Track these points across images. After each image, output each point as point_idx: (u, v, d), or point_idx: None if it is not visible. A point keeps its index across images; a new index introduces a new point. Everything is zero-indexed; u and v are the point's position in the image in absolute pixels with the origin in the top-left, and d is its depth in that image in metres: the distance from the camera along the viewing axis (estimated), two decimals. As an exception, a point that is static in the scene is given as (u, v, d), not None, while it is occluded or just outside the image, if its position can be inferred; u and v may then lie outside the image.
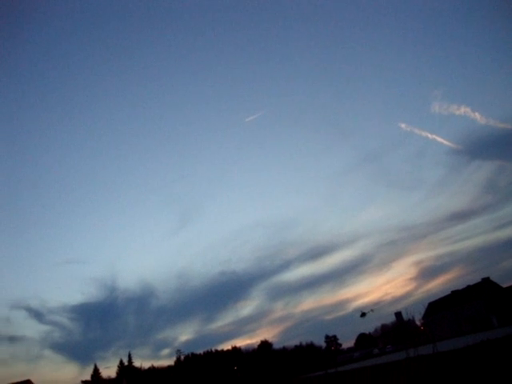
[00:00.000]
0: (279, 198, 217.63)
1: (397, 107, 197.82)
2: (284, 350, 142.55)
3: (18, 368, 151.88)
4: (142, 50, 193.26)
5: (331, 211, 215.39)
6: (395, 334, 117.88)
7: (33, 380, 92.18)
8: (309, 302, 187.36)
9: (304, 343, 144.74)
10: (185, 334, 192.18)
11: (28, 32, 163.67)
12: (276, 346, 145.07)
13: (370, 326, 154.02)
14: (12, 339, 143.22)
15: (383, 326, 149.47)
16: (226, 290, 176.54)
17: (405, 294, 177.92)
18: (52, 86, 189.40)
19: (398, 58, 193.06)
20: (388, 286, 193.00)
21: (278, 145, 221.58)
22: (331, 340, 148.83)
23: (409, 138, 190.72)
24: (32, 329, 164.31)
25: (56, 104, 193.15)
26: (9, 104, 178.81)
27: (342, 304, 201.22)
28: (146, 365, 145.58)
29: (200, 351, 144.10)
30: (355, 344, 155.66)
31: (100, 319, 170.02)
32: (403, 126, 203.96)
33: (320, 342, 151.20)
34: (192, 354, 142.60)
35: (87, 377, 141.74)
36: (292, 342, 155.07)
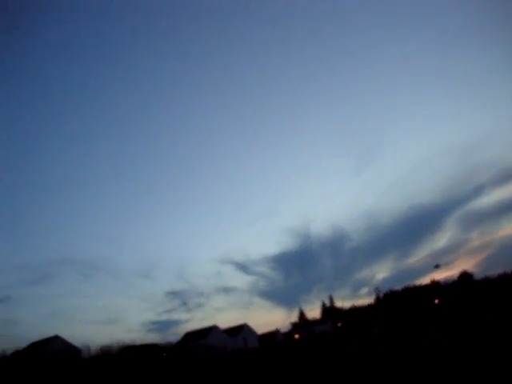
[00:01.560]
0: (461, 120, 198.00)
1: None
2: (486, 279, 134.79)
3: (235, 314, 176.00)
4: None
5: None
6: None
7: (248, 323, 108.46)
8: (510, 228, 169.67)
9: (509, 271, 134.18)
10: (381, 272, 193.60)
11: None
12: (477, 276, 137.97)
13: None
14: (226, 290, 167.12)
15: None
16: (417, 224, 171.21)
17: None
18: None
19: None
20: None
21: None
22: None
23: None
24: (240, 280, 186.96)
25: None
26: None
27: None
28: (347, 305, 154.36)
29: (398, 287, 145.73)
30: None
31: (298, 266, 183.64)
32: None
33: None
34: (390, 291, 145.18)
35: (295, 319, 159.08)
36: (495, 271, 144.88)
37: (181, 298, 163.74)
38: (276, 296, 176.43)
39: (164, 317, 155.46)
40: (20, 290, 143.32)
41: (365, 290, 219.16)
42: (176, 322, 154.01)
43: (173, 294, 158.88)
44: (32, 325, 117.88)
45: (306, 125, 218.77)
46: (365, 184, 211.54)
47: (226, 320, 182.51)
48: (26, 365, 63.40)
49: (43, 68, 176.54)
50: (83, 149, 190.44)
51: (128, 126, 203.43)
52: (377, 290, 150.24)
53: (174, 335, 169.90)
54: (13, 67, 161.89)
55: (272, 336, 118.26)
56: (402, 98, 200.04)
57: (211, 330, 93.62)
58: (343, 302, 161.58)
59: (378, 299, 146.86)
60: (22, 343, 75.95)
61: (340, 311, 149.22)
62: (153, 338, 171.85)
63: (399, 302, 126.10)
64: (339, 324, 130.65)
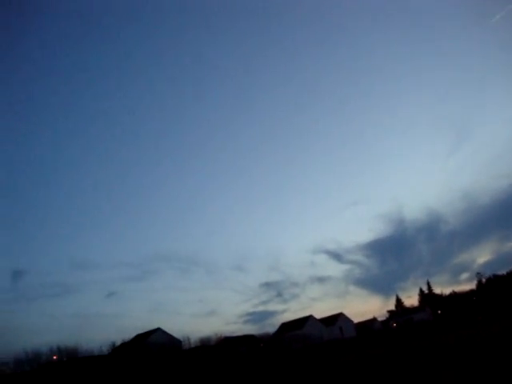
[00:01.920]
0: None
1: None
2: None
3: (331, 303, 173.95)
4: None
5: None
6: None
7: (344, 312, 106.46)
8: None
9: None
10: (482, 256, 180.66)
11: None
12: None
13: None
14: (320, 279, 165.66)
15: None
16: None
17: None
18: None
19: None
20: None
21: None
22: None
23: None
24: (334, 269, 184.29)
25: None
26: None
27: None
28: (446, 291, 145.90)
29: (502, 272, 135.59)
30: None
31: (393, 252, 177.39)
32: None
33: None
34: (494, 275, 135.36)
35: (391, 307, 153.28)
36: None
37: (275, 288, 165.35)
38: (372, 284, 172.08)
39: (260, 308, 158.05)
40: (124, 286, 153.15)
41: (465, 276, 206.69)
42: (272, 313, 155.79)
43: (267, 285, 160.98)
44: (136, 318, 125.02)
45: (397, 110, 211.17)
46: (458, 165, 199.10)
47: (321, 310, 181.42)
48: (132, 355, 66.75)
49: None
50: (170, 148, 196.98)
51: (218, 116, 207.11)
52: (479, 274, 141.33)
53: (271, 326, 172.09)
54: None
55: (369, 325, 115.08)
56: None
57: (307, 320, 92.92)
58: (442, 289, 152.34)
59: (480, 284, 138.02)
60: (129, 335, 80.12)
61: (439, 298, 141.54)
62: (250, 329, 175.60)
63: (504, 287, 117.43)
64: (439, 311, 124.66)
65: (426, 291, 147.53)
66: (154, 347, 68.22)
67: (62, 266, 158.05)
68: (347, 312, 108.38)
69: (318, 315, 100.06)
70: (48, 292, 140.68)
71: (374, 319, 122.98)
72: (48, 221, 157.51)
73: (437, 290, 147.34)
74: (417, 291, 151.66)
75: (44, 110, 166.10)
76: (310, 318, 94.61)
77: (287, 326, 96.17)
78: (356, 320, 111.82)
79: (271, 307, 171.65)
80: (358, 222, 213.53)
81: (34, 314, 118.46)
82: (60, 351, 66.17)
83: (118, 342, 74.90)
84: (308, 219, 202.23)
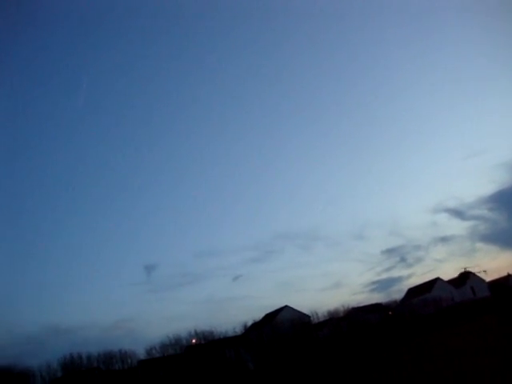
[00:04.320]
0: None
1: None
2: None
3: (457, 263, 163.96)
4: None
5: None
6: None
7: (474, 271, 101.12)
8: None
9: None
10: None
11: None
12: None
13: None
14: (444, 239, 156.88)
15: None
16: None
17: None
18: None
19: None
20: None
21: None
22: None
23: None
24: (457, 227, 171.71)
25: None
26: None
27: None
28: None
29: None
30: None
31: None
32: None
33: None
34: None
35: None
36: None
37: (398, 254, 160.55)
38: (501, 238, 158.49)
39: (384, 275, 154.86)
40: (248, 269, 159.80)
41: None
42: (397, 279, 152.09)
43: (389, 252, 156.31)
44: (263, 298, 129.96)
45: None
46: None
47: (448, 271, 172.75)
48: (263, 333, 70.37)
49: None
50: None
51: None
52: None
53: (397, 292, 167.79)
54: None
55: (504, 282, 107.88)
56: None
57: (435, 283, 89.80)
58: None
59: None
60: (259, 314, 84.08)
61: None
62: (376, 297, 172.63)
63: None
64: None
65: None
66: (283, 324, 70.89)
67: (188, 256, 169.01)
68: (477, 271, 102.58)
69: (446, 277, 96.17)
70: (179, 281, 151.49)
71: (509, 275, 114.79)
72: (171, 217, 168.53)
73: None
74: None
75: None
76: (437, 280, 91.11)
77: (414, 291, 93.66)
78: (488, 278, 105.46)
79: (396, 273, 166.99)
80: (477, 175, 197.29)
81: (170, 302, 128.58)
82: (197, 335, 71.79)
83: (249, 323, 79.00)
84: (424, 178, 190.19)
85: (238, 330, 76.64)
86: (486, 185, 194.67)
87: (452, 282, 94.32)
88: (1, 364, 56.45)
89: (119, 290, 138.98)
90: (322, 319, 77.66)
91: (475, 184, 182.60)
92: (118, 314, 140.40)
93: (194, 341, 71.85)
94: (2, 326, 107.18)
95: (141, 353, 68.39)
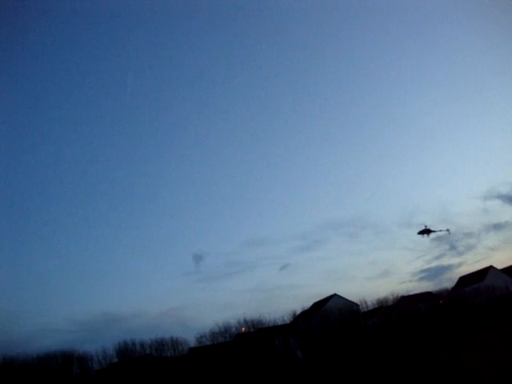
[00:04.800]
0: None
1: None
2: None
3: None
4: None
5: None
6: None
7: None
8: None
9: None
10: None
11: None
12: None
13: None
14: (496, 227, 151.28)
15: None
16: None
17: None
18: None
19: None
20: None
21: None
22: None
23: None
24: (510, 213, 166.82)
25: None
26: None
27: None
28: None
29: None
30: None
31: None
32: None
33: None
34: None
35: None
36: None
37: (448, 241, 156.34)
38: None
39: (434, 263, 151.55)
40: (296, 258, 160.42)
41: None
42: (447, 268, 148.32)
43: (439, 239, 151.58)
44: (311, 286, 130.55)
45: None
46: None
47: (502, 259, 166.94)
48: (311, 322, 71.13)
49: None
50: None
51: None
52: None
53: (448, 281, 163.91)
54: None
55: None
56: None
57: (487, 272, 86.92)
58: None
59: None
60: (307, 303, 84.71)
61: None
62: (426, 286, 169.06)
63: None
64: None
65: None
66: (331, 313, 71.20)
67: (236, 246, 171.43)
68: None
69: (500, 265, 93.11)
70: (228, 271, 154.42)
71: None
72: (220, 207, 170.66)
73: None
74: None
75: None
76: (490, 268, 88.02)
77: (466, 280, 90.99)
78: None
79: (446, 261, 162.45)
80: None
81: (219, 291, 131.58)
82: (247, 323, 73.47)
83: (298, 311, 79.89)
84: (475, 164, 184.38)
85: (287, 318, 77.90)
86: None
87: (506, 270, 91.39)
88: (62, 348, 60.73)
89: (170, 279, 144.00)
90: (370, 308, 77.39)
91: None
92: (169, 303, 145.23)
93: (243, 329, 73.57)
94: (62, 314, 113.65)
95: (191, 340, 71.02)
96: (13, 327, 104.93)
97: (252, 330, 73.37)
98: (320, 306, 78.98)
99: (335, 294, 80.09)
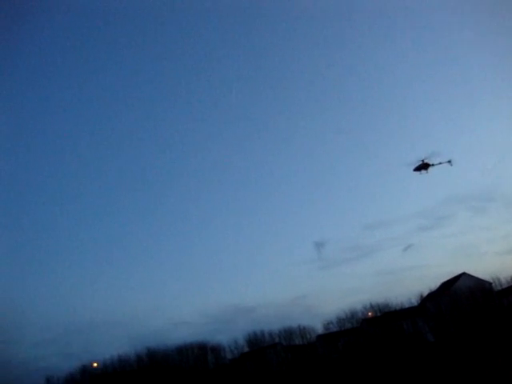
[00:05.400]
0: None
1: None
2: None
3: None
4: None
5: None
6: None
7: None
8: None
9: None
10: None
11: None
12: None
13: None
14: None
15: None
16: None
17: None
18: None
19: None
20: None
21: None
22: None
23: None
24: None
25: None
26: None
27: None
28: None
29: None
30: None
31: None
32: None
33: None
34: None
35: None
36: None
37: None
38: None
39: None
40: (419, 237, 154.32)
41: None
42: None
43: None
44: (437, 266, 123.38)
45: None
46: None
47: None
48: (440, 303, 68.54)
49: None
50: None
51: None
52: None
53: None
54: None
55: None
56: None
57: None
58: None
59: None
60: (434, 284, 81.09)
61: None
62: None
63: None
64: None
65: None
66: (461, 293, 67.56)
67: (356, 230, 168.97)
68: None
69: None
70: (349, 256, 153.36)
71: None
72: (336, 195, 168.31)
73: None
74: None
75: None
76: None
77: None
78: None
79: None
80: None
81: (343, 277, 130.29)
82: (373, 307, 72.76)
83: (425, 293, 77.11)
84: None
85: (414, 300, 75.90)
86: None
87: None
88: (197, 340, 66.59)
89: (292, 268, 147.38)
90: (505, 285, 71.91)
91: None
92: (293, 292, 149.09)
93: (369, 313, 73.30)
94: (195, 307, 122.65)
95: (318, 328, 72.57)
96: (152, 322, 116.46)
97: (379, 314, 73.24)
98: (448, 286, 75.54)
99: (464, 273, 75.76)
